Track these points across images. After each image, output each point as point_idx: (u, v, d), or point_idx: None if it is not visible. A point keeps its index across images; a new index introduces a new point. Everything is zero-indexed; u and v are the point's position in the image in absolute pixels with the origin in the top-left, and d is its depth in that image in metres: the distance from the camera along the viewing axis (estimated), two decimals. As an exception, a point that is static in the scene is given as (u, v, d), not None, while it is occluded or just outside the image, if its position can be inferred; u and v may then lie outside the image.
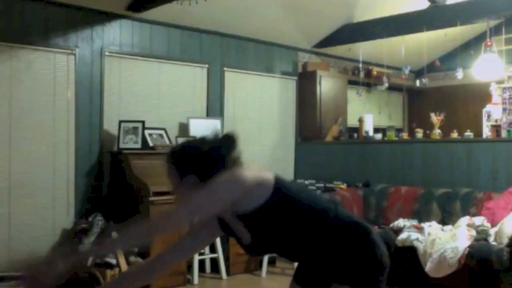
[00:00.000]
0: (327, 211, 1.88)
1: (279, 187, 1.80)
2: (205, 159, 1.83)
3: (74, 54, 5.00)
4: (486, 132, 6.77)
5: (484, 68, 6.50)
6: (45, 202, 4.81)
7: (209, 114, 6.02)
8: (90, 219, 4.77)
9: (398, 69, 7.71)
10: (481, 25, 6.72)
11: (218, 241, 5.19)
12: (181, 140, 1.96)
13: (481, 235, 4.47)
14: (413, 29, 6.45)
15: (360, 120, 6.97)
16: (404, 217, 5.15)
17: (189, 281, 4.96)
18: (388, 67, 7.48)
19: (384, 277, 1.90)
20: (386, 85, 7.23)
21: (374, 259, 1.88)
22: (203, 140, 1.88)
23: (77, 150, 5.01)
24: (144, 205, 4.66)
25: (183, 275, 4.85)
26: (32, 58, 4.76)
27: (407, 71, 7.42)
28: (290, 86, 7.03)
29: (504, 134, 6.04)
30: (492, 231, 4.48)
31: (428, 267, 4.38)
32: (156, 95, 5.61)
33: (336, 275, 1.89)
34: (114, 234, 4.54)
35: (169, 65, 5.72)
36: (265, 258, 5.37)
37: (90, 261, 4.43)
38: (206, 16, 5.70)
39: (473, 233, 4.45)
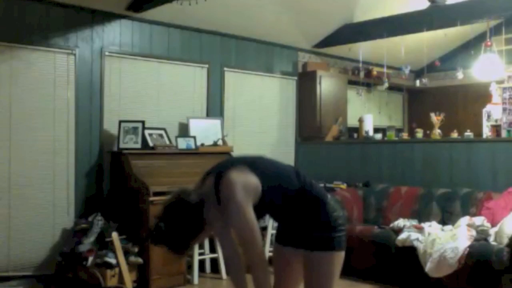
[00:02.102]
0: (300, 189, 2.32)
1: (265, 187, 2.23)
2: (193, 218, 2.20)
3: (74, 54, 5.00)
4: (486, 132, 6.77)
5: (484, 68, 6.51)
6: (45, 202, 4.81)
7: (209, 114, 6.02)
8: (90, 219, 4.77)
9: (398, 69, 7.72)
10: (481, 25, 6.72)
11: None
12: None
13: (481, 235, 4.47)
14: (413, 29, 6.45)
15: (360, 120, 6.96)
16: (404, 217, 5.15)
17: (189, 281, 4.96)
18: (388, 67, 7.48)
19: (338, 234, 2.31)
20: (386, 85, 7.23)
21: (326, 224, 2.31)
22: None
23: (77, 150, 5.01)
24: (144, 205, 4.66)
25: (183, 275, 4.85)
26: (32, 58, 4.76)
27: (407, 71, 7.42)
28: (290, 86, 7.03)
29: (504, 134, 6.04)
30: (492, 231, 4.48)
31: (428, 267, 4.38)
32: (156, 95, 5.62)
33: (301, 241, 2.34)
34: (114, 235, 4.54)
35: (169, 65, 5.72)
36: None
37: (90, 261, 4.44)
38: (206, 16, 5.70)
39: (473, 233, 4.45)
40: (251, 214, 2.15)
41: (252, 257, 2.18)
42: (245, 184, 2.18)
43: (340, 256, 2.33)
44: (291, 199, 2.31)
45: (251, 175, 2.22)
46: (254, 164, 2.29)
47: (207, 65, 6.04)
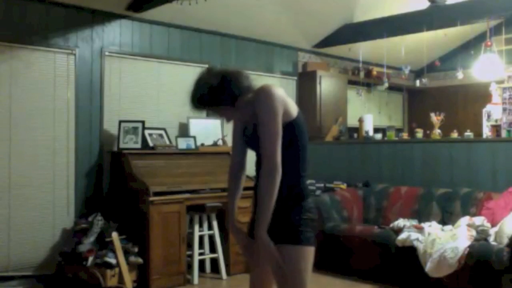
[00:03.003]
0: (299, 172, 2.33)
1: (293, 124, 2.26)
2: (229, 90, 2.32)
3: (74, 54, 5.00)
4: (486, 132, 6.78)
5: (484, 68, 6.51)
6: (45, 202, 4.81)
7: (209, 114, 6.01)
8: (90, 219, 4.77)
9: (398, 69, 7.72)
10: (481, 25, 6.73)
11: (218, 241, 5.20)
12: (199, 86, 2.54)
13: (481, 235, 4.47)
14: (413, 29, 6.46)
15: (360, 120, 6.97)
16: (404, 217, 5.16)
17: (189, 281, 4.96)
18: (388, 67, 7.49)
19: (307, 229, 2.30)
20: (386, 85, 7.24)
21: (296, 220, 2.29)
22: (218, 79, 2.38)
23: (77, 150, 5.01)
24: (144, 205, 4.66)
25: (183, 275, 4.85)
26: (32, 58, 4.76)
27: (407, 71, 7.42)
28: (290, 86, 7.03)
29: (504, 134, 6.04)
30: (492, 231, 4.48)
31: (428, 267, 4.38)
32: (156, 95, 5.62)
33: (275, 235, 2.25)
34: (114, 235, 4.55)
35: (169, 65, 5.73)
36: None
37: (90, 261, 4.44)
38: (206, 16, 5.70)
39: (473, 233, 4.44)
40: (279, 110, 2.18)
41: (266, 164, 2.18)
42: (284, 98, 2.23)
43: (308, 251, 2.33)
44: (292, 163, 2.31)
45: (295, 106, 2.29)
46: (301, 113, 2.33)
47: (207, 65, 6.03)
